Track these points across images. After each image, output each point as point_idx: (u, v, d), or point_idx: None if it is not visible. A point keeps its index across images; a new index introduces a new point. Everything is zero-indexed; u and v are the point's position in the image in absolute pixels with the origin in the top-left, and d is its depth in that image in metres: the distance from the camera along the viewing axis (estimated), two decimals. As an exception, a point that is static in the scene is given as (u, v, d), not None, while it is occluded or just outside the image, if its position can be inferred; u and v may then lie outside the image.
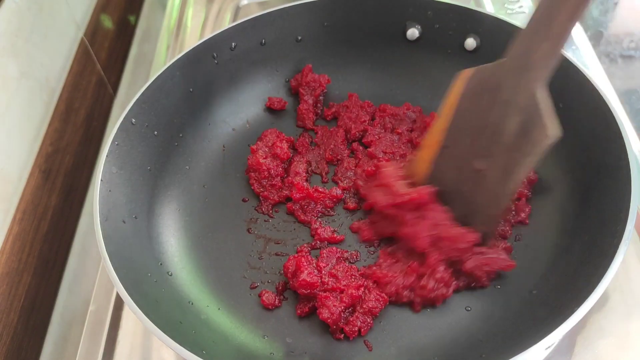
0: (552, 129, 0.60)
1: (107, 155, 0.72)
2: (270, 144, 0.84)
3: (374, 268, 0.71)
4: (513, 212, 0.75)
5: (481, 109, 0.67)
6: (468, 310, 0.68)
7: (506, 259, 0.69)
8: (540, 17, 0.60)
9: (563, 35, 0.58)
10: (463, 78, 0.69)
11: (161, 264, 0.73)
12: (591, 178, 0.70)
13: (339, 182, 0.81)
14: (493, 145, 0.65)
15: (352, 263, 0.73)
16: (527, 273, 0.69)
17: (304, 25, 0.90)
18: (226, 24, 1.16)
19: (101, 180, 0.70)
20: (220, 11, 1.20)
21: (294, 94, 0.92)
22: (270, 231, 0.78)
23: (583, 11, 0.57)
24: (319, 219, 0.78)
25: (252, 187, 0.82)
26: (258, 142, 0.86)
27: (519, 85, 0.62)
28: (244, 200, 0.81)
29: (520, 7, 1.09)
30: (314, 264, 0.70)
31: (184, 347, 0.57)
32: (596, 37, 1.06)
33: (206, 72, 0.86)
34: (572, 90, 0.74)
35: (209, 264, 0.75)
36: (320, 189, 0.79)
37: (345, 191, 0.81)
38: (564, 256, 0.68)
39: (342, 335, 0.67)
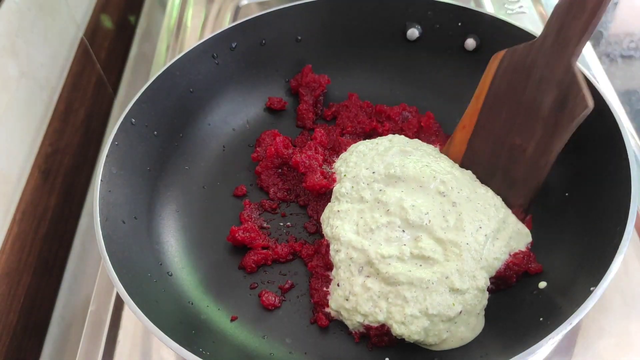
0: (590, 100, 0.64)
1: (107, 156, 0.72)
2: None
3: None
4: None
5: (515, 88, 0.70)
6: (468, 311, 0.68)
7: (535, 262, 0.69)
8: None
9: (597, 8, 0.61)
10: (495, 59, 0.72)
11: (161, 264, 0.73)
12: (591, 178, 0.70)
13: None
14: (529, 121, 0.69)
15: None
16: (527, 273, 0.69)
17: (304, 25, 0.90)
18: (226, 24, 1.16)
19: (101, 180, 0.70)
20: (220, 11, 1.20)
21: (294, 94, 0.92)
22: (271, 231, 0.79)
23: None
24: None
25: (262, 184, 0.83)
26: (257, 149, 0.86)
27: (555, 61, 0.65)
28: (244, 202, 0.81)
29: (520, 7, 1.09)
30: None
31: (184, 347, 0.57)
32: (596, 37, 1.06)
33: (206, 72, 0.86)
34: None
35: (208, 264, 0.75)
36: None
37: None
38: (564, 256, 0.68)
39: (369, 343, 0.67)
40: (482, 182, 0.74)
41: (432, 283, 0.64)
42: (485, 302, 0.66)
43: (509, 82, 0.71)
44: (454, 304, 0.64)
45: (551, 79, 0.66)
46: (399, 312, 0.64)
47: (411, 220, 0.68)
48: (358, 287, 0.67)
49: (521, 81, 0.69)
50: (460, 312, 0.64)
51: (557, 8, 0.64)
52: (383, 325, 0.65)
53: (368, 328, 0.66)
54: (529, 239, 0.71)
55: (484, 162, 0.75)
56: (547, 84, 0.67)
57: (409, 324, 0.63)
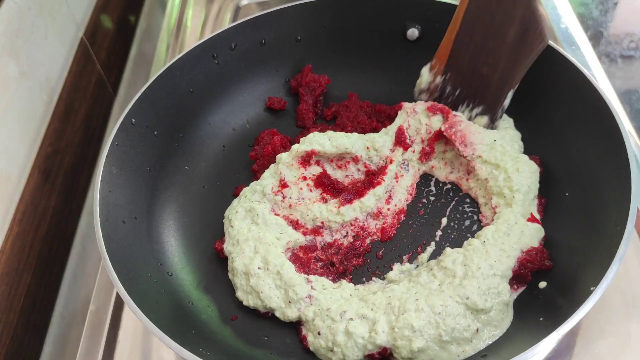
0: (547, 35, 0.71)
1: (107, 156, 0.72)
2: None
3: None
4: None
5: (485, 18, 0.76)
6: (468, 310, 0.68)
7: (548, 259, 0.68)
8: None
9: None
10: None
11: (161, 264, 0.73)
12: (591, 178, 0.70)
13: None
14: (496, 50, 0.76)
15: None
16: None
17: (304, 25, 0.90)
18: (226, 24, 1.16)
19: (101, 180, 0.70)
20: (220, 11, 1.20)
21: (294, 94, 0.92)
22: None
23: None
24: None
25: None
26: (255, 147, 0.86)
27: None
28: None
29: (520, 7, 1.09)
30: None
31: (184, 347, 0.57)
32: (596, 37, 1.06)
33: (206, 72, 0.86)
34: (572, 91, 0.74)
35: (209, 264, 0.75)
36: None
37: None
38: (564, 257, 0.68)
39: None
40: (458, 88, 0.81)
41: (446, 307, 0.61)
42: (510, 318, 0.64)
43: (480, 11, 0.76)
44: (469, 325, 0.61)
45: (515, 12, 0.72)
46: (405, 347, 0.60)
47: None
48: (341, 335, 0.62)
49: (490, 12, 0.75)
50: (477, 330, 0.61)
51: None
52: (385, 349, 0.62)
53: (370, 356, 0.62)
54: (542, 233, 0.70)
55: (460, 79, 0.81)
56: (511, 16, 0.73)
57: (415, 358, 0.60)
